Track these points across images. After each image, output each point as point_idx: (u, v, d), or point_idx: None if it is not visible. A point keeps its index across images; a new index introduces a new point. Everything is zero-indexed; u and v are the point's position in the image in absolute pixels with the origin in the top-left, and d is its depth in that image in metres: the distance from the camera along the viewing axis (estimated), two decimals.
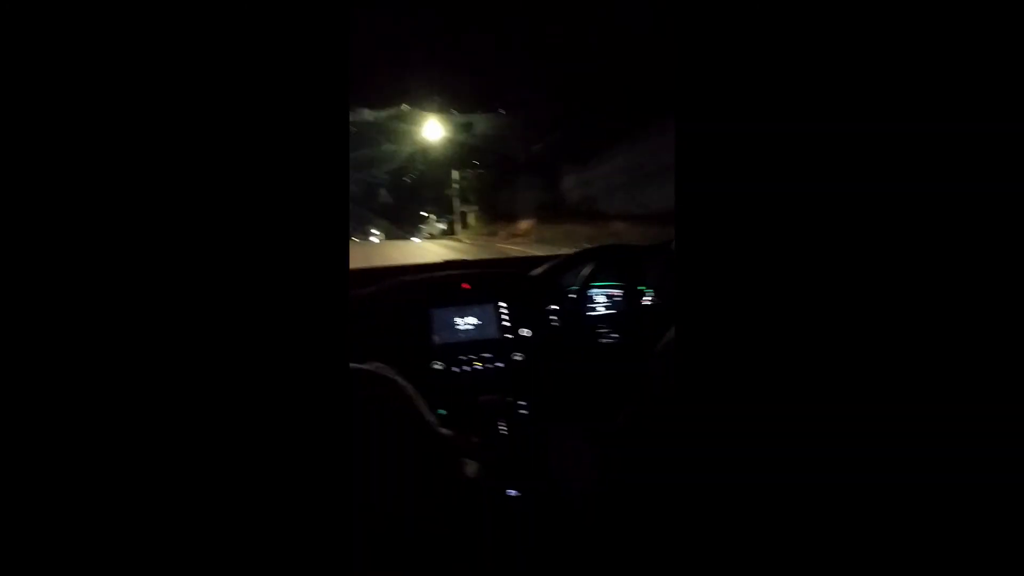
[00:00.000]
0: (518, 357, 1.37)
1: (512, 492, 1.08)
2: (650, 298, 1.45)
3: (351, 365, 0.58)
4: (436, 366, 1.32)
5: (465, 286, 1.43)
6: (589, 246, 1.57)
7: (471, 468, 0.58)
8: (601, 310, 1.48)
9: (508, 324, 1.41)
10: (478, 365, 1.35)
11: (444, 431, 0.59)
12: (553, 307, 1.43)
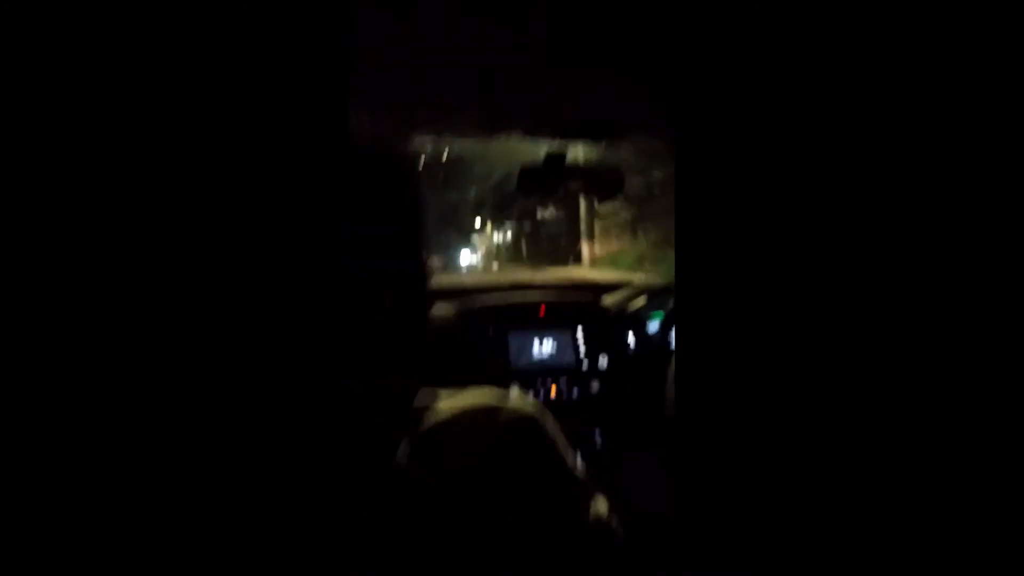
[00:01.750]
0: (595, 384, 1.38)
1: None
2: None
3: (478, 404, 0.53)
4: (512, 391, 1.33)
5: (542, 310, 1.45)
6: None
7: (602, 507, 0.53)
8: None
9: (585, 350, 1.41)
10: (554, 391, 1.36)
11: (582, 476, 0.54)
12: (631, 335, 1.43)
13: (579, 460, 0.55)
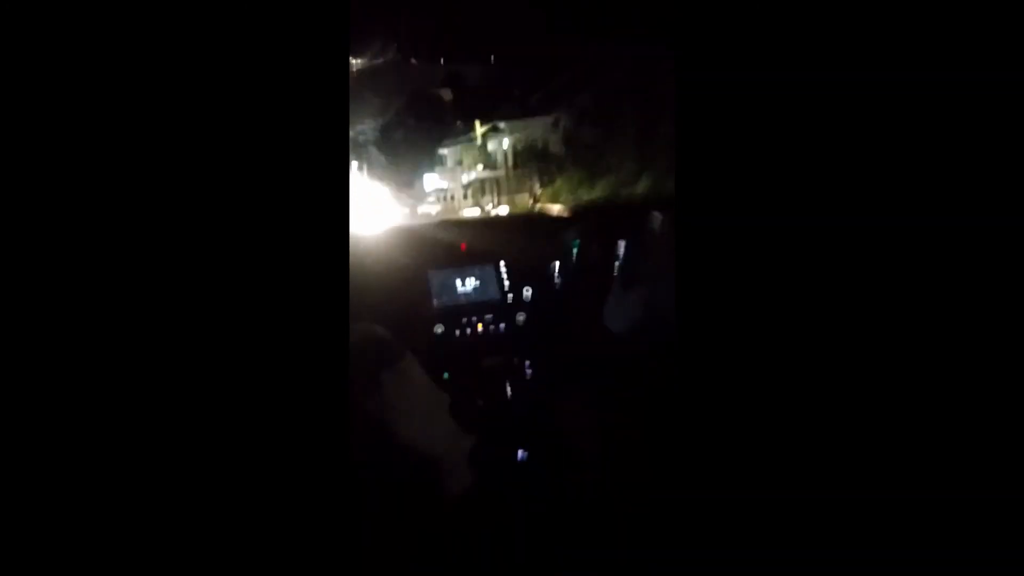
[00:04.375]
0: (521, 318, 1.35)
1: (521, 454, 1.08)
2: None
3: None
4: (437, 330, 1.30)
5: (463, 247, 1.40)
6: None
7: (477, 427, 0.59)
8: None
9: (509, 284, 1.37)
10: (480, 328, 1.33)
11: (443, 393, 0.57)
12: (556, 265, 1.40)
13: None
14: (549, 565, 0.82)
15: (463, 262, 1.38)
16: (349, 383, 0.49)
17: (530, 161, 1.62)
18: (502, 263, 1.39)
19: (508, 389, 1.25)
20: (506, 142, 1.60)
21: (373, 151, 1.55)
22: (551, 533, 0.92)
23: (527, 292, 1.38)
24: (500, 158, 1.61)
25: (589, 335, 1.34)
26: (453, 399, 0.91)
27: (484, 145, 1.62)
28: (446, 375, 1.21)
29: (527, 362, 1.31)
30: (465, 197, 1.59)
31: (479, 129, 1.59)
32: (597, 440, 1.00)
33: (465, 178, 1.61)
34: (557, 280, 1.40)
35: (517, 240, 1.47)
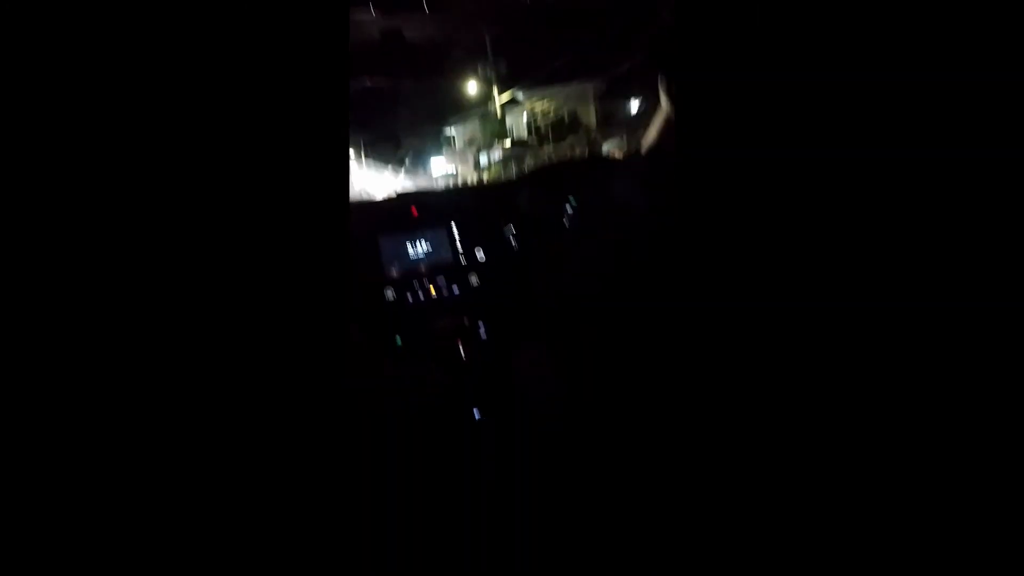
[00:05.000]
0: (474, 279, 1.33)
1: (477, 415, 1.07)
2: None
3: None
4: (389, 296, 1.28)
5: (414, 211, 1.37)
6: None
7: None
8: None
9: (461, 246, 1.36)
10: (433, 291, 1.31)
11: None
12: (508, 226, 1.39)
13: None
14: (515, 522, 0.82)
15: (414, 227, 1.36)
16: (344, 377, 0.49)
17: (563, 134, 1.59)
18: (453, 224, 1.37)
19: (461, 350, 1.24)
20: (525, 115, 1.57)
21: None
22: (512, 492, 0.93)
23: (479, 253, 1.36)
24: (523, 132, 1.58)
25: (543, 294, 1.34)
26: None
27: (503, 118, 1.58)
28: (398, 340, 1.20)
29: (480, 323, 1.30)
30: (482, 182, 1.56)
31: (499, 99, 1.56)
32: (554, 395, 1.01)
33: (484, 159, 1.59)
34: (511, 241, 1.39)
35: (469, 202, 1.45)
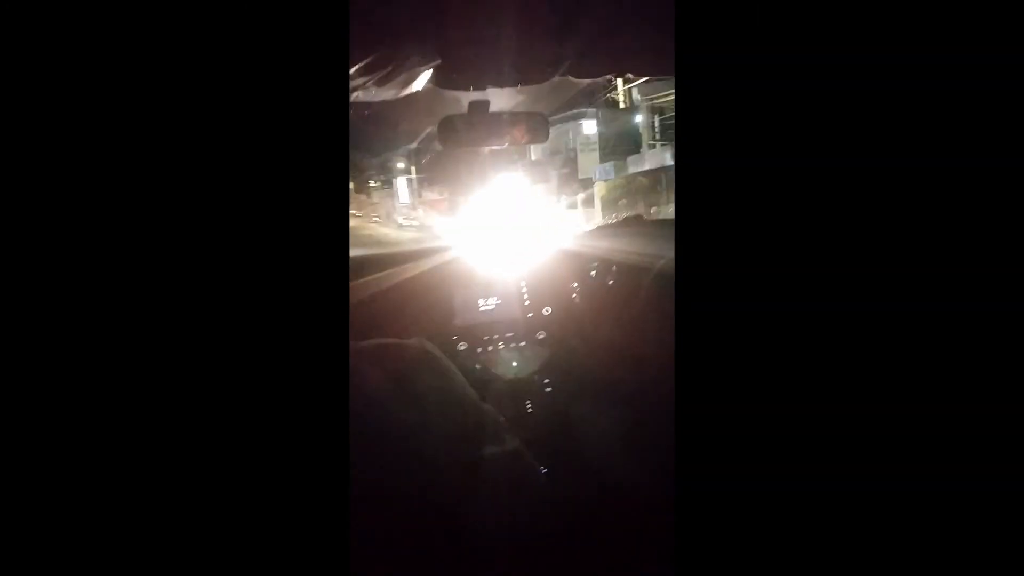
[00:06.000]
0: (541, 336, 1.37)
1: (542, 470, 1.09)
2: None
3: (382, 341, 0.58)
4: (460, 347, 1.33)
5: (485, 265, 1.43)
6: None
7: (512, 443, 0.58)
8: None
9: (529, 303, 1.40)
10: (501, 345, 1.35)
11: (486, 406, 0.58)
12: (574, 284, 1.42)
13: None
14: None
15: (485, 281, 1.41)
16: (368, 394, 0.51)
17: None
18: (523, 282, 1.42)
19: (528, 405, 1.27)
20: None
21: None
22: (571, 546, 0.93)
23: (547, 311, 1.40)
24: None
25: (607, 354, 1.35)
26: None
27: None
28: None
29: (546, 379, 1.33)
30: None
31: (621, 88, 1.54)
32: (615, 452, 1.01)
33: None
34: (576, 300, 1.42)
35: (538, 261, 1.49)
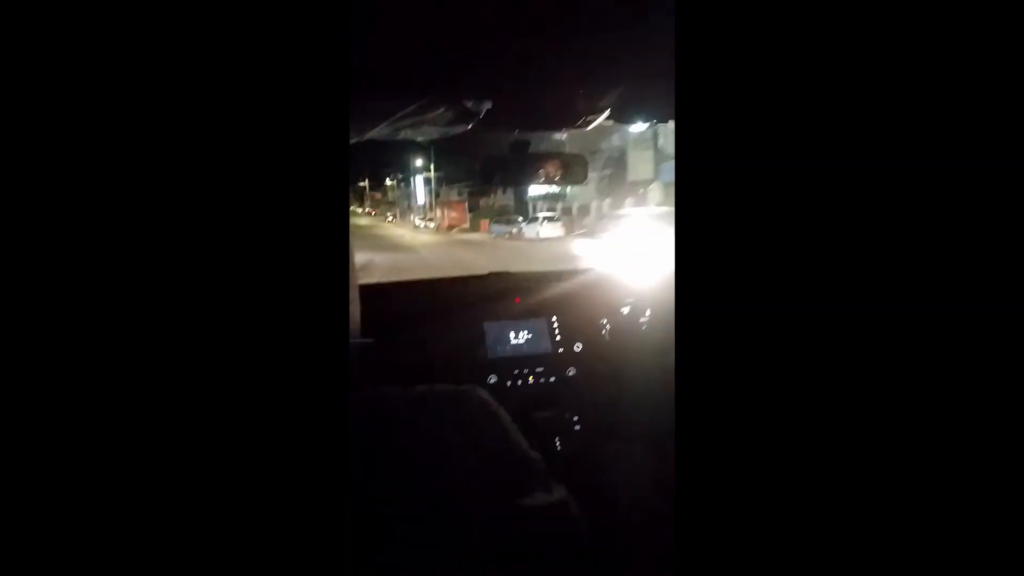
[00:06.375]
0: (571, 372, 1.38)
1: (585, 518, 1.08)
2: None
3: (437, 387, 0.59)
4: (491, 380, 1.33)
5: (517, 300, 1.44)
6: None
7: (559, 492, 0.57)
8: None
9: (560, 338, 1.41)
10: (531, 380, 1.36)
11: (535, 455, 0.58)
12: (604, 321, 1.43)
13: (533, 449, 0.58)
14: None
15: (516, 315, 1.42)
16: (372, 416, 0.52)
17: None
18: (554, 317, 1.43)
19: (558, 443, 1.26)
20: None
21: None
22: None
23: (578, 347, 1.41)
24: None
25: (636, 392, 1.35)
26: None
27: None
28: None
29: (575, 417, 1.33)
30: None
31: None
32: (642, 492, 1.01)
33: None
34: (606, 336, 1.42)
35: (569, 296, 1.50)
